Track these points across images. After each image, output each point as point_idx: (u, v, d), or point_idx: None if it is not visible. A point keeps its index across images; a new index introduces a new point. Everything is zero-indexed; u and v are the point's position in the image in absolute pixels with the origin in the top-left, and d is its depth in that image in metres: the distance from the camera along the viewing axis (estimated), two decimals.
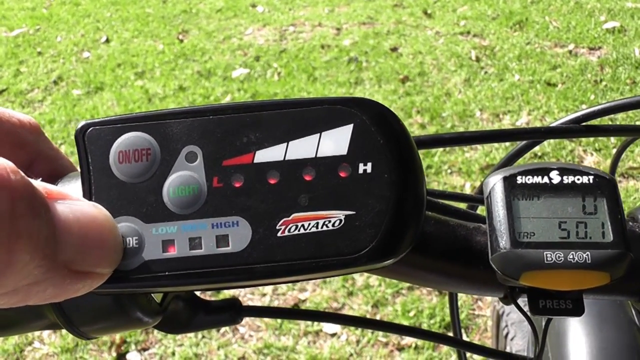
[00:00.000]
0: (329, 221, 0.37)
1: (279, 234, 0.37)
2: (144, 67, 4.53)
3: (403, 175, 0.38)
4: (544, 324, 0.54)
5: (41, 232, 0.30)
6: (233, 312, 0.52)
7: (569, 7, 5.01)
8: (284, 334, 2.28)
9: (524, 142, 0.64)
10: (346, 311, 2.35)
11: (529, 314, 0.47)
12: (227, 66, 4.42)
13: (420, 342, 2.22)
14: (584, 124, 0.58)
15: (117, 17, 5.65)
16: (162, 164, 0.38)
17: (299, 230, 0.37)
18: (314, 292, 2.44)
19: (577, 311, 0.44)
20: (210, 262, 0.37)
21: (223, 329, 2.33)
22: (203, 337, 2.31)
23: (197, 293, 0.52)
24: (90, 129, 0.39)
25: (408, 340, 2.23)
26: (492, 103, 3.65)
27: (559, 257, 0.41)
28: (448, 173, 3.03)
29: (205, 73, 4.35)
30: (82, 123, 0.40)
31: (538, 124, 3.40)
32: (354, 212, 0.37)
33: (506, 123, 3.46)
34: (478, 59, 4.24)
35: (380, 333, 2.26)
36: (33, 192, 0.30)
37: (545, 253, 0.41)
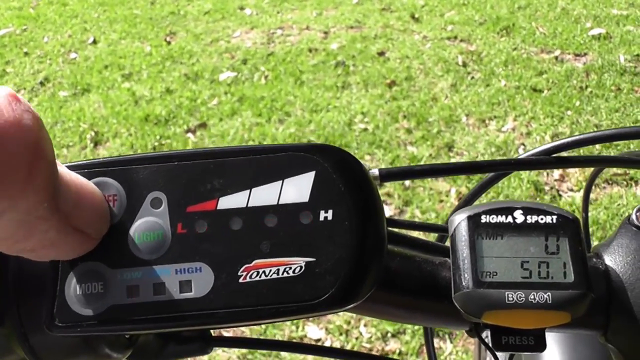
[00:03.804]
0: (290, 268, 0.38)
1: (240, 280, 0.38)
2: (131, 69, 4.52)
3: (363, 222, 0.39)
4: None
5: (50, 176, 0.33)
6: (203, 343, 0.52)
7: (556, 13, 5.03)
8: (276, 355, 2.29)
9: (493, 174, 0.65)
10: (330, 316, 2.36)
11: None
12: (214, 69, 4.42)
13: (404, 348, 2.23)
14: (554, 155, 0.58)
15: (105, 18, 5.63)
16: (128, 210, 0.39)
17: (260, 277, 0.38)
18: None
19: (539, 347, 0.44)
20: (173, 307, 0.38)
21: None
22: None
23: None
24: None
25: (392, 346, 2.24)
26: (479, 108, 3.66)
27: (520, 297, 0.42)
28: (434, 179, 3.03)
29: (193, 76, 4.34)
30: None
31: (524, 130, 3.42)
32: (314, 259, 0.38)
33: (492, 129, 3.47)
34: (465, 64, 4.25)
35: (364, 341, 2.27)
36: (50, 144, 0.33)
37: (506, 293, 0.42)
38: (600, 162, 0.63)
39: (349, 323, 2.32)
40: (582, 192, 2.90)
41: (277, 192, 0.39)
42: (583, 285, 0.42)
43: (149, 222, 0.39)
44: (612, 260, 0.47)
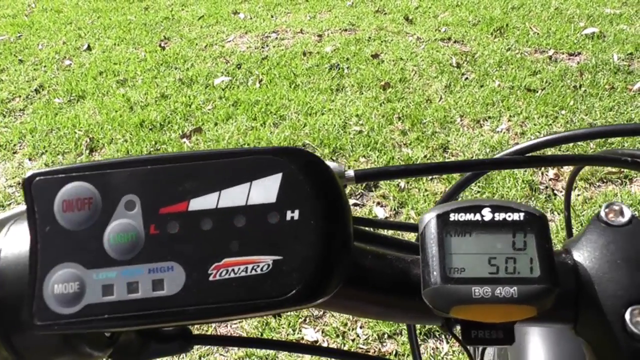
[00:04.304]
0: (258, 266, 0.39)
1: (210, 278, 0.39)
2: (126, 75, 4.53)
3: (328, 222, 0.41)
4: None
5: None
6: (183, 341, 0.54)
7: (549, 13, 5.05)
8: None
9: (469, 173, 0.67)
10: (327, 318, 2.36)
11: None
12: (209, 74, 4.43)
13: (401, 349, 2.23)
14: (528, 154, 0.60)
15: (99, 25, 5.65)
16: (103, 213, 0.41)
17: (229, 275, 0.39)
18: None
19: (508, 341, 0.45)
20: (146, 305, 0.39)
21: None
22: None
23: None
24: (36, 178, 0.41)
25: (388, 347, 2.24)
26: (473, 109, 3.67)
27: (486, 292, 0.43)
28: (429, 179, 3.04)
29: (187, 81, 4.35)
30: (29, 173, 0.42)
31: (518, 130, 3.43)
32: (281, 257, 0.40)
33: (487, 129, 3.48)
34: (459, 65, 4.26)
35: (361, 342, 2.27)
36: None
37: (473, 288, 0.43)
38: (572, 161, 0.64)
39: (345, 325, 2.33)
40: (576, 191, 2.91)
41: (245, 194, 0.40)
42: (549, 280, 0.43)
43: (123, 224, 0.40)
44: (581, 255, 0.48)
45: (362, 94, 3.98)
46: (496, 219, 0.45)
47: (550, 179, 3.01)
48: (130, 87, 4.35)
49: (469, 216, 0.45)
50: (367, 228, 0.54)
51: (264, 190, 0.40)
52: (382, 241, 0.53)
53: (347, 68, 4.34)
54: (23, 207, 0.47)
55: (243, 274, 0.39)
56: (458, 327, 0.47)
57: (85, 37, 5.37)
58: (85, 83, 4.44)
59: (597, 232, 0.48)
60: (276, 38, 5.01)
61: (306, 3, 5.76)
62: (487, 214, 0.45)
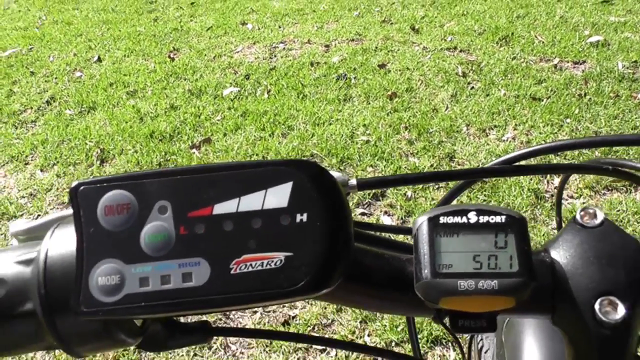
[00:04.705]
0: (272, 261, 0.46)
1: (232, 272, 0.46)
2: (136, 86, 4.59)
3: (332, 223, 0.47)
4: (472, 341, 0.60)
5: None
6: (203, 333, 0.60)
7: (554, 21, 5.09)
8: (275, 351, 2.33)
9: (462, 181, 0.74)
10: (335, 327, 2.40)
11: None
12: (217, 84, 4.48)
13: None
14: (515, 164, 0.66)
15: (109, 36, 5.71)
16: (140, 216, 0.48)
17: (248, 269, 0.46)
18: (304, 309, 2.49)
19: (491, 329, 0.51)
20: (177, 294, 0.46)
21: (216, 349, 2.38)
22: (195, 354, 2.36)
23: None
24: (82, 187, 0.48)
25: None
26: (479, 118, 3.71)
27: (470, 285, 0.48)
28: (434, 188, 3.08)
29: (196, 92, 4.41)
30: (75, 183, 0.48)
31: (524, 139, 3.46)
32: (292, 254, 0.46)
33: (492, 138, 3.52)
34: (465, 75, 4.30)
35: None
36: None
37: (459, 282, 0.49)
38: (557, 170, 0.70)
39: (353, 333, 2.36)
40: (581, 199, 2.95)
41: (261, 199, 0.47)
42: (526, 274, 0.49)
43: (156, 226, 0.47)
44: (557, 253, 0.54)
45: (369, 103, 4.02)
46: (480, 221, 0.50)
47: (555, 187, 3.04)
48: (140, 98, 4.41)
49: (457, 219, 0.51)
50: (367, 231, 0.60)
51: (277, 196, 0.47)
52: (381, 242, 0.59)
53: (354, 78, 4.39)
54: (61, 212, 0.55)
55: (259, 268, 0.46)
56: (448, 320, 0.53)
57: (96, 48, 5.43)
58: (96, 94, 4.50)
59: (573, 233, 0.54)
60: (284, 48, 5.06)
61: (313, 13, 5.81)
62: (472, 217, 0.51)
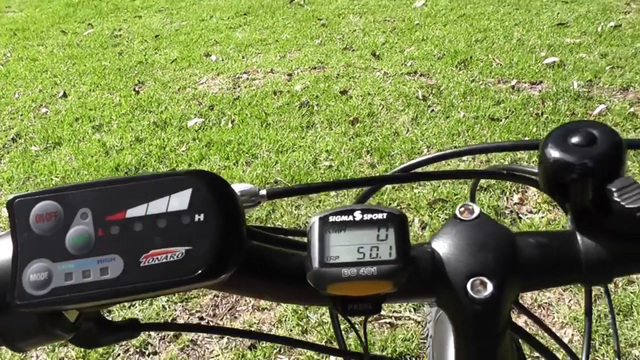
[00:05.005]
0: (175, 254, 0.53)
1: (141, 265, 0.53)
2: (102, 120, 4.62)
3: (225, 221, 0.55)
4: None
5: None
6: (132, 329, 0.67)
7: (512, 44, 5.20)
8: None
9: (367, 188, 0.82)
10: (300, 349, 2.44)
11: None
12: (182, 116, 4.53)
13: None
14: (412, 171, 0.76)
15: (74, 71, 5.74)
16: (65, 221, 0.55)
17: (155, 261, 0.53)
18: (270, 331, 2.53)
19: (376, 311, 0.58)
20: (96, 286, 0.53)
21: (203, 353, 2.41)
22: None
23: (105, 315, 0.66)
24: (17, 200, 0.56)
25: None
26: (439, 140, 3.78)
27: (353, 272, 0.55)
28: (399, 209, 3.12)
29: (161, 124, 4.45)
30: (11, 197, 0.56)
31: (483, 158, 3.53)
32: (191, 247, 0.54)
33: (454, 159, 3.58)
34: (425, 98, 4.39)
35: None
36: None
37: (343, 270, 0.55)
38: (454, 176, 0.79)
39: (320, 355, 2.40)
40: (540, 213, 3.02)
41: (166, 204, 0.55)
42: (402, 261, 0.55)
43: (79, 229, 0.55)
44: (437, 244, 0.61)
45: (332, 129, 4.09)
46: (364, 218, 0.57)
47: (515, 204, 3.12)
48: (105, 132, 4.44)
49: (344, 217, 0.57)
50: (266, 232, 0.67)
51: (179, 200, 0.55)
52: (280, 241, 0.66)
53: (317, 105, 4.46)
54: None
55: (164, 260, 0.53)
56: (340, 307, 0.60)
57: (61, 84, 5.46)
58: (62, 130, 4.52)
59: (452, 226, 0.61)
60: (247, 78, 5.12)
61: (276, 43, 5.89)
62: (357, 215, 0.57)
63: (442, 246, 0.60)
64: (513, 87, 4.43)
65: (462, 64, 4.90)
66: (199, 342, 2.51)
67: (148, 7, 8.00)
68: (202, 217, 0.54)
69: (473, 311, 0.57)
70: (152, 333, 2.55)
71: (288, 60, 5.39)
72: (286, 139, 4.00)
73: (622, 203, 0.53)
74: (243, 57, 5.61)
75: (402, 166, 0.76)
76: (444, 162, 3.30)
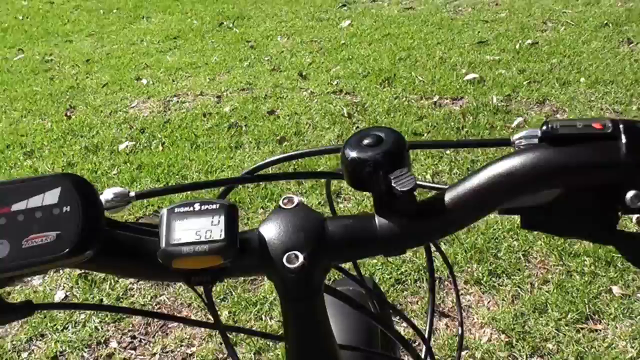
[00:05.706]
0: (48, 237, 0.65)
1: (23, 247, 0.64)
2: (33, 146, 4.65)
3: (86, 212, 0.67)
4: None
5: None
6: (28, 308, 0.76)
7: (434, 62, 5.39)
8: None
9: (223, 187, 0.95)
10: None
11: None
12: (113, 140, 4.59)
13: None
14: (256, 174, 0.91)
15: (5, 97, 5.74)
16: None
17: (33, 244, 0.65)
18: (200, 346, 2.63)
19: (215, 282, 0.72)
20: None
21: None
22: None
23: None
24: None
25: None
26: None
27: (190, 249, 0.67)
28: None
29: (93, 148, 4.50)
30: None
31: None
32: (60, 232, 0.65)
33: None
34: (350, 115, 4.54)
35: None
36: None
37: (182, 248, 0.68)
38: (291, 177, 0.97)
39: None
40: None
41: (41, 199, 0.66)
42: (228, 239, 0.67)
43: None
44: (264, 228, 0.73)
45: (260, 149, 4.21)
46: (202, 208, 0.70)
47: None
48: (37, 158, 4.47)
49: (186, 209, 0.70)
50: (128, 223, 0.79)
51: (52, 196, 0.66)
52: (137, 230, 0.77)
53: (245, 126, 4.57)
54: None
55: (40, 242, 0.64)
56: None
57: None
58: None
59: (276, 214, 0.73)
60: (178, 101, 5.21)
61: (206, 66, 5.97)
62: (197, 206, 0.70)
63: (268, 230, 0.72)
64: (435, 103, 4.61)
65: (386, 82, 5.06)
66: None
67: (79, 31, 8.01)
68: (68, 208, 0.65)
69: (288, 279, 0.70)
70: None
71: (217, 83, 5.49)
72: (215, 159, 4.11)
73: (398, 187, 0.65)
74: (173, 80, 5.68)
75: (250, 168, 0.91)
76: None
